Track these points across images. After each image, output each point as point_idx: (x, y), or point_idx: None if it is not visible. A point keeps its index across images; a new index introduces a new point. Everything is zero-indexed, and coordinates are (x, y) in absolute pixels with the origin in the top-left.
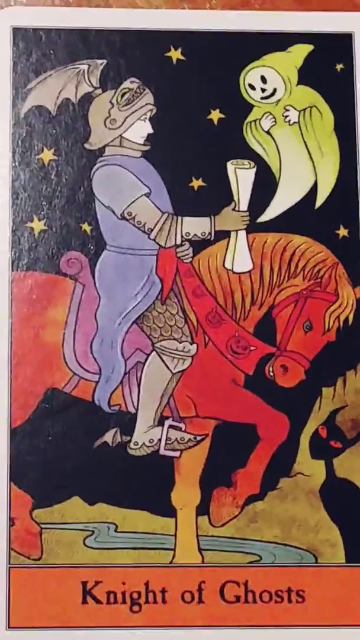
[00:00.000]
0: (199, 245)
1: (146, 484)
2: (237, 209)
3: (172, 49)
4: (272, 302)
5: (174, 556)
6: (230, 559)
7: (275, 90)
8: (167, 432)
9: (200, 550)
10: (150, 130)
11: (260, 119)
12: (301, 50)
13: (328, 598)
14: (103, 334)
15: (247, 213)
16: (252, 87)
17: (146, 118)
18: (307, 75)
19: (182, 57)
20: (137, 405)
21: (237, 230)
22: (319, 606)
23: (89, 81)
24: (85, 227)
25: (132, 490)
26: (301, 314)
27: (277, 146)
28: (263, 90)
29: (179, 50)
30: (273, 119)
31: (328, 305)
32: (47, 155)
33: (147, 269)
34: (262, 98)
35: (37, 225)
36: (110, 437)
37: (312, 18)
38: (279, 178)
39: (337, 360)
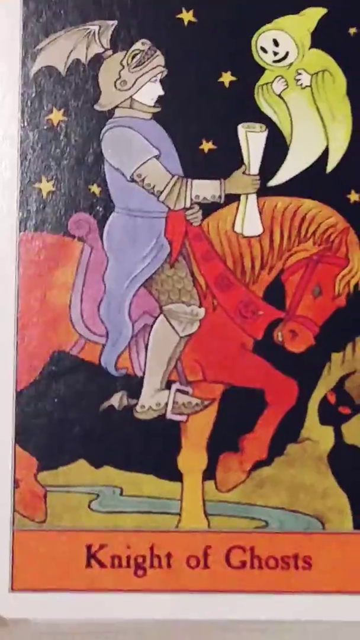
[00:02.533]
0: (209, 208)
1: (152, 448)
2: (247, 172)
3: (184, 10)
4: (282, 267)
5: (179, 521)
6: (236, 524)
7: (287, 53)
8: (175, 396)
9: (206, 515)
10: (161, 92)
11: (272, 82)
12: (314, 14)
13: (335, 565)
14: (110, 296)
15: (258, 177)
16: (264, 50)
17: (157, 80)
18: (320, 38)
19: (193, 19)
20: (144, 369)
21: (247, 194)
22: (326, 573)
23: (100, 42)
24: (94, 188)
25: (138, 454)
26: (311, 278)
27: (288, 110)
28: (275, 53)
29: (191, 12)
30: (285, 83)
31: (338, 271)
32: (57, 116)
33: (156, 232)
34: (274, 61)
35: (46, 186)
36: (116, 400)
37: None
38: (290, 142)
39: (346, 326)
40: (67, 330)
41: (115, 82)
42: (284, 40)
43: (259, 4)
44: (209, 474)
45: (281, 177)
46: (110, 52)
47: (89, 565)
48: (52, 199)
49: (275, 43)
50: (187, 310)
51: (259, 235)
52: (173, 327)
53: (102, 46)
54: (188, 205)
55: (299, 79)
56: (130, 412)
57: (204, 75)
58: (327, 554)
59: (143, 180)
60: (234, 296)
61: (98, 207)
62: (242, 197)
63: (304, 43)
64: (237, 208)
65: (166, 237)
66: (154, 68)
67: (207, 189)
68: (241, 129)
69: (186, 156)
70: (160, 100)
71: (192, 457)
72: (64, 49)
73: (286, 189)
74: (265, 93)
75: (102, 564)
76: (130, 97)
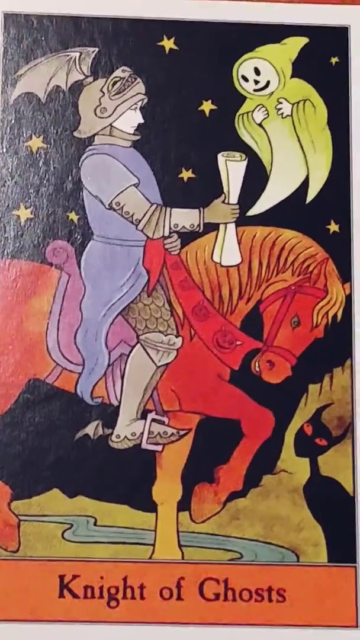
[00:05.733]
0: (187, 237)
1: (127, 478)
2: (227, 201)
3: (165, 38)
4: (260, 297)
5: (153, 551)
6: (210, 555)
7: (268, 82)
8: (150, 425)
9: (180, 546)
10: (141, 120)
11: (252, 111)
12: (296, 43)
13: (309, 598)
14: (87, 324)
15: (237, 206)
16: (245, 79)
17: (137, 107)
18: (302, 68)
19: (175, 47)
20: (120, 398)
21: (226, 223)
22: (300, 606)
23: (80, 69)
24: (73, 216)
25: (113, 483)
26: (289, 309)
27: (269, 139)
28: (256, 82)
29: (172, 39)
30: (266, 112)
31: (317, 301)
32: (36, 142)
33: (134, 260)
34: (255, 90)
35: (24, 213)
36: (91, 429)
37: (307, 10)
38: (270, 171)
39: (324, 357)
40: (43, 359)
41: (95, 109)
42: (265, 69)
43: (240, 32)
44: (184, 504)
45: (261, 206)
46: (90, 79)
47: (61, 595)
48: (30, 226)
49: (257, 72)
50: (164, 339)
51: (237, 265)
52: (150, 356)
53: (83, 73)
54: (167, 234)
55: (280, 108)
56: (106, 442)
57: (185, 104)
58: (301, 587)
59: (122, 208)
60: (211, 326)
61: (76, 235)
62: (221, 226)
63: (285, 72)
64: (216, 237)
65: (144, 265)
66: (134, 96)
67: (186, 217)
68: (221, 158)
69: (165, 184)
70: (140, 128)
71: (166, 488)
72: (44, 75)
73: (266, 219)
74: (246, 122)
75: (75, 595)
76: (110, 124)
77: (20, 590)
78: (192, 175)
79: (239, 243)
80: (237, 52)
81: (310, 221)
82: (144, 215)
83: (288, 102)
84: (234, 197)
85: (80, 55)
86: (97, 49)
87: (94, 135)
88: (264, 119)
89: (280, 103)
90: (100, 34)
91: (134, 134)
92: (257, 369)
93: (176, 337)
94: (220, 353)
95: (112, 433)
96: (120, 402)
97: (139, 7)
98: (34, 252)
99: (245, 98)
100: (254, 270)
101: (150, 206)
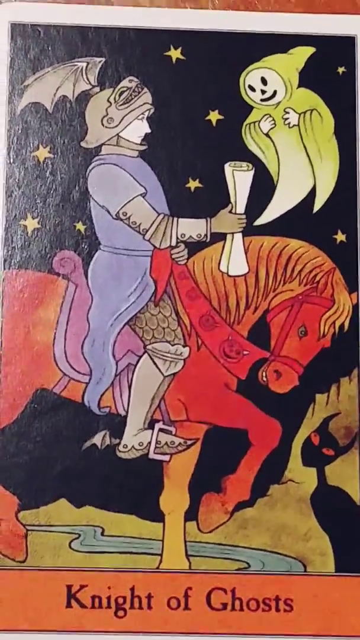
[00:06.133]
0: (194, 247)
1: (134, 488)
2: (233, 211)
3: (172, 48)
4: (267, 307)
5: (160, 561)
6: (218, 565)
7: (275, 92)
8: (157, 435)
9: (187, 556)
10: (148, 130)
11: (259, 121)
12: (303, 53)
13: (316, 608)
14: (95, 334)
15: (244, 216)
16: (252, 89)
17: (144, 117)
18: (308, 77)
19: (182, 57)
20: (128, 408)
21: (233, 233)
22: (307, 616)
23: (87, 79)
24: (80, 226)
25: (120, 493)
26: (296, 319)
27: (275, 149)
28: (263, 92)
29: (179, 49)
30: (272, 122)
31: (324, 311)
32: (43, 152)
33: (141, 270)
34: (262, 100)
35: (31, 223)
36: (99, 439)
37: (314, 20)
38: (277, 181)
39: (331, 367)
40: (50, 369)
41: (102, 119)
42: (272, 79)
43: (247, 42)
44: (191, 514)
45: (268, 216)
46: (97, 89)
47: (69, 605)
48: (37, 236)
49: (264, 81)
50: (171, 349)
51: (244, 275)
52: (157, 366)
53: (90, 83)
54: (174, 243)
55: (287, 118)
56: (113, 452)
57: (191, 113)
58: (308, 597)
59: (129, 218)
60: (218, 336)
61: (83, 245)
62: (228, 236)
63: (292, 82)
64: (223, 247)
65: (151, 275)
66: (141, 105)
67: (193, 227)
68: (228, 168)
69: (172, 194)
70: (147, 137)
71: (174, 498)
72: (51, 85)
73: (272, 229)
74: (253, 132)
75: (82, 605)
76: (117, 134)
77: (27, 600)
78: (199, 185)
79: (246, 253)
80: (243, 62)
81: (317, 231)
82: (151, 225)
83: (295, 111)
84: (241, 207)
85: (87, 65)
86: (103, 59)
87: (101, 145)
88: (271, 128)
89: (287, 113)
90: (107, 44)
91: (140, 144)
92: (264, 379)
93: (183, 346)
94: (227, 363)
95: (119, 443)
96: (127, 412)
97: (145, 17)
98: (41, 262)
99: (252, 108)
100: (261, 280)
101: (157, 216)
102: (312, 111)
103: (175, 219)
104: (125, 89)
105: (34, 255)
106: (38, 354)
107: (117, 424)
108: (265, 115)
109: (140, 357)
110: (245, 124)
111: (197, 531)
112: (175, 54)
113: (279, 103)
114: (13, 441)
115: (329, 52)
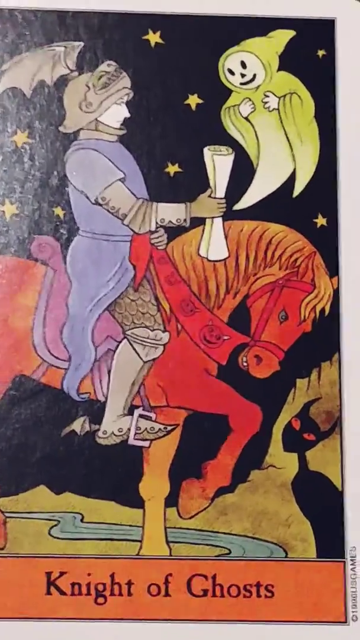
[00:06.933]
0: (174, 231)
1: (114, 474)
2: (213, 195)
3: (151, 32)
4: (247, 291)
5: (140, 548)
6: (198, 551)
7: (255, 75)
8: (137, 421)
9: (167, 542)
10: (127, 115)
11: (239, 105)
12: (282, 36)
13: (298, 593)
14: (73, 320)
15: (224, 200)
16: (232, 72)
17: (122, 102)
18: (288, 61)
19: (160, 41)
20: (107, 394)
21: (212, 218)
22: (288, 601)
23: (65, 63)
24: (58, 211)
25: (100, 480)
26: (277, 303)
27: (255, 133)
28: (242, 75)
29: (158, 33)
30: (252, 105)
31: (304, 296)
32: (21, 137)
33: (120, 255)
34: (242, 83)
35: (9, 208)
36: (78, 425)
37: (294, 3)
38: (257, 165)
39: (312, 352)
40: (29, 355)
41: (80, 104)
42: (251, 63)
43: (226, 25)
44: (171, 500)
45: (247, 200)
46: (75, 73)
47: (48, 592)
48: (15, 222)
49: (243, 65)
50: (150, 334)
51: (224, 260)
52: (136, 352)
53: (68, 67)
54: (153, 228)
55: (267, 102)
56: (92, 438)
57: (171, 98)
58: (290, 583)
59: (107, 203)
60: (198, 321)
61: (62, 230)
62: (208, 221)
63: (271, 65)
64: (203, 232)
65: (130, 260)
66: (119, 90)
67: (172, 212)
68: (207, 152)
69: (151, 179)
70: (125, 122)
71: (154, 484)
72: (28, 70)
73: (252, 213)
74: (232, 116)
75: (62, 592)
76: (96, 119)
77: (6, 588)
78: (179, 170)
79: (226, 237)
80: (223, 46)
81: (297, 215)
82: (130, 210)
83: (275, 95)
84: (220, 191)
85: (65, 49)
86: (82, 44)
87: (79, 130)
88: (251, 112)
89: (267, 96)
90: (85, 28)
91: (119, 129)
92: (245, 364)
93: (163, 332)
94: (207, 348)
95: (98, 429)
96: (107, 398)
97: (124, 1)
98: (19, 247)
99: (231, 91)
100: (241, 265)
101: (137, 201)
102: (292, 95)
103: (154, 203)
104: (103, 73)
105: (12, 241)
106: (17, 340)
107: (96, 410)
108: (245, 99)
109: (119, 342)
110: (224, 107)
111: (178, 517)
112: (154, 37)
113: (258, 87)
114: None
115: (309, 35)
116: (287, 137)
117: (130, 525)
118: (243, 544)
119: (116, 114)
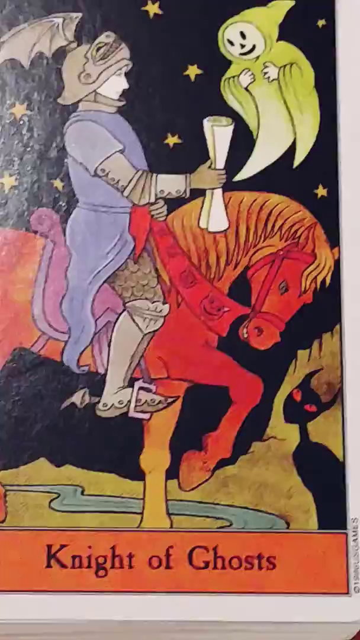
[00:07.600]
0: (174, 203)
1: (115, 447)
2: (213, 166)
3: (150, 2)
4: (248, 263)
5: (141, 520)
6: (199, 524)
7: (254, 46)
8: (137, 393)
9: (168, 514)
10: (126, 86)
11: (238, 76)
12: (282, 6)
13: (299, 565)
14: (73, 293)
15: (224, 171)
16: (231, 43)
17: (122, 73)
18: (288, 31)
19: (159, 11)
20: (107, 366)
21: (212, 189)
22: (290, 573)
23: (64, 35)
24: (57, 183)
25: (100, 452)
26: (277, 274)
27: (255, 103)
28: (242, 46)
29: (157, 4)
30: (252, 76)
31: (305, 266)
32: (20, 109)
33: (120, 227)
34: (241, 54)
35: (8, 180)
36: (78, 398)
37: None
38: (257, 136)
39: (313, 323)
40: (29, 327)
41: (79, 76)
42: (251, 33)
43: None
44: (172, 472)
45: (247, 171)
46: (74, 45)
47: (49, 565)
48: (14, 194)
49: (243, 35)
50: (150, 306)
51: (224, 231)
52: (136, 324)
53: (66, 39)
54: (153, 200)
55: (267, 72)
56: (92, 410)
57: (170, 69)
58: (291, 554)
59: (107, 174)
60: (198, 292)
61: (61, 202)
62: (208, 192)
63: (271, 35)
64: (203, 203)
65: (130, 232)
66: (118, 61)
67: (172, 183)
68: (207, 123)
69: (151, 150)
70: (125, 93)
71: (154, 456)
72: (27, 41)
73: (253, 184)
74: (232, 86)
75: (62, 564)
76: (95, 90)
77: (7, 561)
78: (178, 141)
79: (226, 209)
80: (222, 16)
81: (297, 186)
82: (130, 182)
83: (274, 65)
84: (220, 163)
85: (64, 20)
86: (80, 15)
87: (78, 102)
88: (250, 83)
89: (267, 67)
90: None
91: (118, 100)
92: (245, 336)
93: (163, 304)
94: (207, 320)
95: (99, 401)
96: (107, 371)
97: None
98: (18, 220)
99: (231, 62)
100: (241, 236)
101: (136, 172)
102: (291, 65)
103: (154, 175)
104: (102, 44)
105: (11, 213)
106: (16, 313)
107: (96, 383)
108: (245, 69)
109: (119, 315)
110: (224, 78)
111: (178, 489)
112: (152, 8)
113: (258, 57)
114: None
115: (309, 5)
116: (287, 108)
117: (131, 498)
118: (244, 516)
119: (115, 85)
